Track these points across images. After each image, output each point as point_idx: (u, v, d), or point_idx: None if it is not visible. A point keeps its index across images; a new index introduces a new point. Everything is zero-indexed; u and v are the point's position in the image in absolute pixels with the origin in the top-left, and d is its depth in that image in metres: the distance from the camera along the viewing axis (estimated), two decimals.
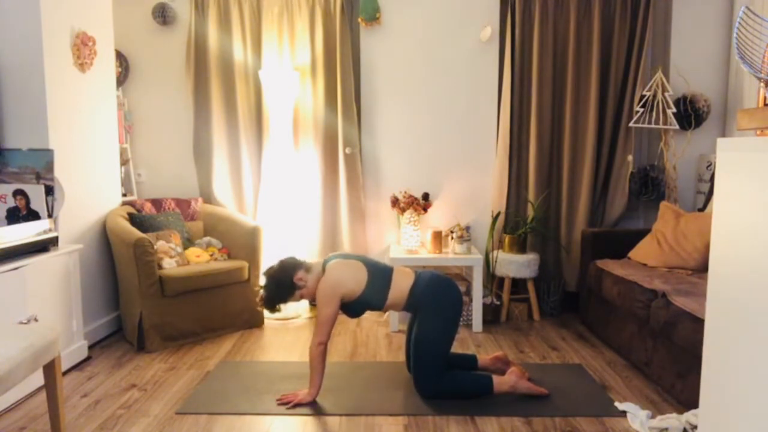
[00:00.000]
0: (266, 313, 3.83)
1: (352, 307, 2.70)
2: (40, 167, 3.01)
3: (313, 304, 3.55)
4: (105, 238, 3.58)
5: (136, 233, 3.29)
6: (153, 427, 2.42)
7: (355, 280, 2.66)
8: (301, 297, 2.72)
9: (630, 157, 3.99)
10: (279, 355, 3.28)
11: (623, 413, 2.52)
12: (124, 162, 3.99)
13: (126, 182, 4.03)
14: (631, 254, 3.61)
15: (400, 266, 2.88)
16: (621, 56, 3.97)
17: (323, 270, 2.69)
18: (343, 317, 3.86)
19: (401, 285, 2.72)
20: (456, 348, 3.35)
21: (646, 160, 4.12)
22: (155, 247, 3.42)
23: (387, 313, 3.92)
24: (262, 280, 2.75)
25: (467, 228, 3.87)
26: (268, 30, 4.01)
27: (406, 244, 3.89)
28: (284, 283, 2.66)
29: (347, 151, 4.04)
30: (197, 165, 4.14)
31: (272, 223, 3.99)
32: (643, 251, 3.51)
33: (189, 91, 4.05)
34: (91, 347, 3.36)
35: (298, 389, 2.73)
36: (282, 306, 2.73)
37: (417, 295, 2.69)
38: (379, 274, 2.72)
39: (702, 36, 4.07)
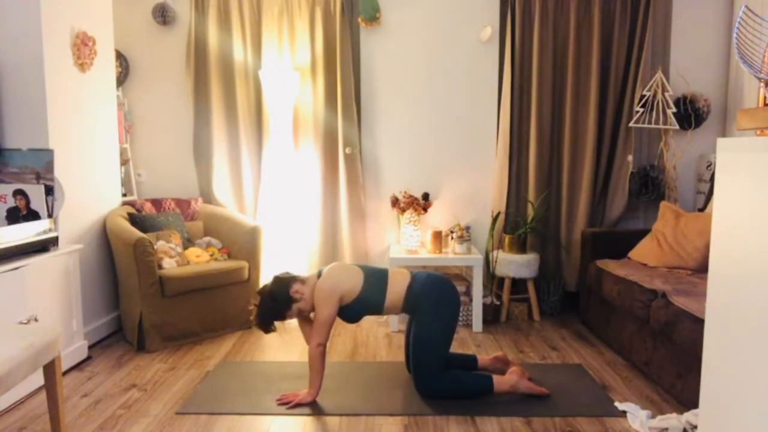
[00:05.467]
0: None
1: (351, 310, 2.69)
2: (40, 167, 3.01)
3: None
4: (105, 238, 3.58)
5: (136, 233, 3.29)
6: (153, 427, 2.42)
7: (352, 281, 2.66)
8: (299, 311, 2.67)
9: (630, 157, 3.99)
10: (279, 355, 3.28)
11: (623, 413, 2.52)
12: (124, 162, 3.99)
13: (126, 182, 4.03)
14: (631, 254, 3.61)
15: (395, 268, 2.89)
16: (621, 56, 3.97)
17: (318, 277, 2.69)
18: None
19: (398, 285, 2.72)
20: (456, 348, 3.35)
21: (646, 160, 4.12)
22: (155, 247, 3.42)
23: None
24: (259, 298, 2.67)
25: (467, 228, 3.87)
26: (268, 30, 4.01)
27: (406, 244, 3.89)
28: (281, 298, 2.62)
29: (347, 151, 4.04)
30: (197, 165, 4.14)
31: (272, 223, 3.99)
32: (643, 251, 3.51)
33: (189, 91, 4.05)
34: (91, 347, 3.36)
35: (298, 389, 2.73)
36: (277, 324, 2.68)
37: (414, 295, 2.69)
38: (375, 275, 2.73)
39: (702, 36, 4.07)
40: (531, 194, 4.07)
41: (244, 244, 3.74)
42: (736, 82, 3.96)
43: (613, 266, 3.43)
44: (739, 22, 1.58)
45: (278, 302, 2.63)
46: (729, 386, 1.56)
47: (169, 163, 4.20)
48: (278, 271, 2.80)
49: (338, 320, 2.74)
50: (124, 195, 3.96)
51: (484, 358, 2.96)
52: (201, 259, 3.61)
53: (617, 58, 3.96)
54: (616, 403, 2.61)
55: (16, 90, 3.01)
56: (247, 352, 3.33)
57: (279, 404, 2.62)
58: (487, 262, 4.04)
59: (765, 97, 3.52)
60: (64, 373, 2.97)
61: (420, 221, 3.96)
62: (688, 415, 2.37)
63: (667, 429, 2.34)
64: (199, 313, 3.49)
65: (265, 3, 3.98)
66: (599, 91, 3.97)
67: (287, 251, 3.99)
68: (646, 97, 3.88)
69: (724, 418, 1.58)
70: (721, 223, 1.60)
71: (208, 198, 4.13)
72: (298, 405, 2.60)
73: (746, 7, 1.63)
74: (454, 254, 3.83)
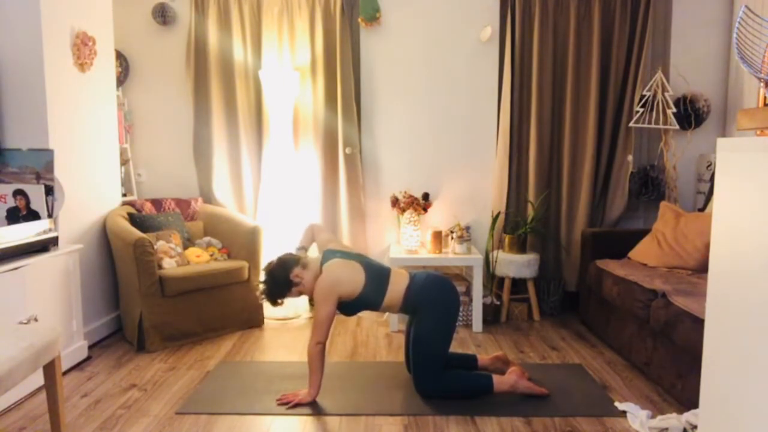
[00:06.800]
0: (266, 311, 3.84)
1: (349, 307, 2.71)
2: (40, 167, 3.01)
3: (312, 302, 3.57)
4: (105, 238, 3.58)
5: (136, 233, 3.29)
6: (153, 427, 2.42)
7: (353, 282, 2.66)
8: (300, 293, 2.74)
9: (630, 157, 3.99)
10: (279, 355, 3.28)
11: (623, 413, 2.52)
12: (124, 162, 3.99)
13: (126, 182, 4.03)
14: (631, 254, 3.60)
15: (395, 268, 2.89)
16: (621, 56, 3.97)
17: (321, 268, 2.70)
18: (341, 316, 3.85)
19: (398, 286, 2.72)
20: (456, 348, 3.35)
21: (646, 160, 4.12)
22: (155, 247, 3.42)
23: (387, 313, 3.91)
24: (262, 276, 2.78)
25: (467, 228, 3.87)
26: (268, 30, 4.01)
27: (406, 244, 3.89)
28: (281, 280, 2.69)
29: (347, 151, 4.04)
30: (197, 165, 4.14)
31: (272, 223, 3.99)
32: (643, 251, 3.51)
33: (189, 91, 4.05)
34: (91, 347, 3.36)
35: (298, 389, 2.73)
36: (282, 300, 2.76)
37: (413, 296, 2.69)
38: (377, 276, 2.72)
39: (702, 36, 4.07)
40: (531, 194, 4.07)
41: (244, 244, 3.74)
42: (736, 82, 3.96)
43: (613, 266, 3.43)
44: (739, 22, 1.58)
45: (278, 284, 2.69)
46: (729, 386, 1.56)
47: (169, 163, 4.20)
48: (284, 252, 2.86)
49: (338, 318, 2.74)
50: (124, 195, 3.96)
51: (484, 358, 2.96)
52: (201, 259, 3.61)
53: (617, 58, 3.96)
54: (616, 403, 2.61)
55: (16, 90, 3.01)
56: (247, 352, 3.33)
57: (279, 404, 2.62)
58: (487, 262, 4.04)
59: (765, 97, 3.51)
60: (64, 373, 2.97)
61: (420, 221, 3.96)
62: (688, 415, 2.37)
63: (667, 429, 2.34)
64: (199, 313, 3.49)
65: (265, 3, 3.98)
66: (599, 91, 3.97)
67: (287, 251, 3.98)
68: (646, 97, 3.88)
69: (724, 418, 1.58)
70: (721, 223, 1.60)
71: (208, 198, 4.13)
72: (298, 405, 2.60)
73: (746, 7, 1.63)
74: (454, 254, 3.83)
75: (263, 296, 2.74)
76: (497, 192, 4.10)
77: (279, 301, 2.74)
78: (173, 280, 3.32)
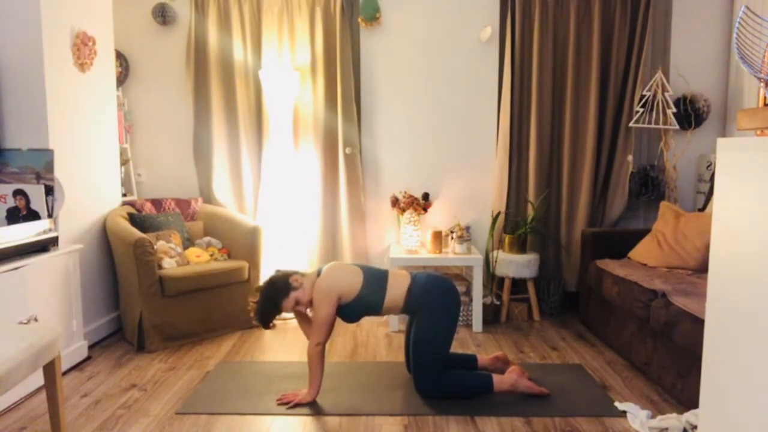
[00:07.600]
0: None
1: (350, 310, 2.69)
2: (40, 167, 3.01)
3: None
4: (105, 238, 3.58)
5: (136, 233, 3.29)
6: (153, 427, 2.42)
7: (352, 281, 2.66)
8: (296, 302, 2.66)
9: (630, 157, 3.99)
10: (279, 355, 3.28)
11: (623, 413, 2.52)
12: (124, 162, 3.99)
13: (126, 182, 4.03)
14: (631, 254, 3.60)
15: (395, 269, 2.88)
16: (621, 56, 3.97)
17: (318, 275, 2.70)
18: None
19: (398, 287, 2.71)
20: (456, 348, 3.35)
21: (646, 160, 4.12)
22: (155, 247, 3.42)
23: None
24: (255, 296, 2.71)
25: (467, 228, 3.87)
26: (268, 30, 4.01)
27: (406, 244, 3.89)
28: (279, 284, 2.64)
29: (347, 151, 4.04)
30: (197, 165, 4.14)
31: (272, 223, 3.99)
32: (643, 251, 3.51)
33: (189, 91, 4.05)
34: (91, 347, 3.36)
35: (298, 389, 2.73)
36: (276, 316, 2.70)
37: (415, 296, 2.69)
38: (375, 276, 2.72)
39: (702, 36, 4.07)
40: (531, 194, 4.07)
41: (244, 244, 3.74)
42: (736, 82, 3.96)
43: (613, 266, 3.43)
44: (739, 22, 1.58)
45: (276, 288, 2.64)
46: (729, 386, 1.56)
47: (169, 163, 4.20)
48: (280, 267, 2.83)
49: (338, 320, 2.73)
50: (124, 195, 3.96)
51: (483, 357, 2.96)
52: (201, 259, 3.61)
53: (617, 58, 3.96)
54: (616, 403, 2.61)
55: (16, 90, 3.00)
56: (247, 352, 3.33)
57: (279, 404, 2.62)
58: (487, 262, 4.04)
59: (765, 97, 3.51)
60: (64, 373, 2.97)
61: (420, 221, 3.96)
62: (688, 415, 2.37)
63: (667, 429, 2.34)
64: (199, 313, 3.49)
65: (265, 3, 3.98)
66: (599, 91, 3.97)
67: (287, 251, 3.99)
68: (646, 97, 3.88)
69: (724, 418, 1.58)
70: (721, 223, 1.60)
71: (208, 198, 4.13)
72: (298, 405, 2.60)
73: (746, 7, 1.63)
74: (454, 254, 3.83)
75: (257, 314, 2.66)
76: (497, 192, 4.10)
77: (273, 324, 2.68)
78: (173, 280, 3.32)
